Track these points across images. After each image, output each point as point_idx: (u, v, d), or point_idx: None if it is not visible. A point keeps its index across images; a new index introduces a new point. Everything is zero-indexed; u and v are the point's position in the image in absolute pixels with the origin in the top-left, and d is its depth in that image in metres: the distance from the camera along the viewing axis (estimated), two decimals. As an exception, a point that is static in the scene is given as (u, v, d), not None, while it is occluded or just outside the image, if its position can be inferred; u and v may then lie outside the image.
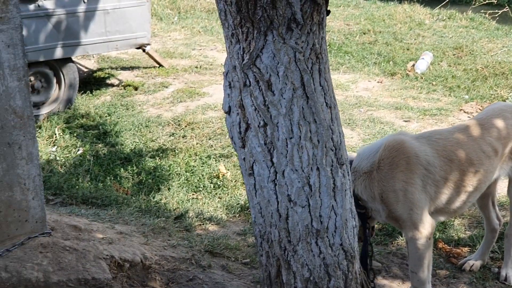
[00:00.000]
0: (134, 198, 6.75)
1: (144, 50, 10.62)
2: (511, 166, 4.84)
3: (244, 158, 3.59)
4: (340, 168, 3.58)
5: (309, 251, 3.60)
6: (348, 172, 3.67)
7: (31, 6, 9.00)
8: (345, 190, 3.63)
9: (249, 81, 3.37)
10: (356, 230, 3.78)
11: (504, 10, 13.83)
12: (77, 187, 6.79)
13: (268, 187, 3.53)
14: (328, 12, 3.41)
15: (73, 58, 10.04)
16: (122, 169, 7.65)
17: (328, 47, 11.98)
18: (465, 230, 5.79)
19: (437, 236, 5.61)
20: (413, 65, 10.87)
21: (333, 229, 3.61)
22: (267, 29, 3.23)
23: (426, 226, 4.30)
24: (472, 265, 5.20)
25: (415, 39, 12.43)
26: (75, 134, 8.67)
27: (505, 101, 8.94)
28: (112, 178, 7.42)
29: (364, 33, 12.91)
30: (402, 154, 4.31)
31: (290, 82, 3.32)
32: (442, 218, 4.73)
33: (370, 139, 8.04)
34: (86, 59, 11.85)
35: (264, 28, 3.23)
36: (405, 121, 8.72)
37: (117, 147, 8.30)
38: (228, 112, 3.60)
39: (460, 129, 4.67)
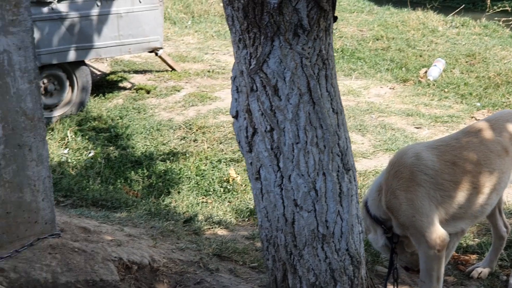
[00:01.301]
0: (144, 201, 6.79)
1: (156, 54, 10.67)
2: None
3: (251, 163, 3.61)
4: (347, 173, 3.60)
5: (315, 255, 3.61)
6: (354, 178, 3.68)
7: (45, 9, 9.07)
8: (351, 196, 3.64)
9: (256, 86, 3.40)
10: (363, 236, 3.79)
11: (518, 17, 13.79)
12: (87, 189, 6.83)
13: (275, 191, 3.55)
14: (335, 19, 3.42)
15: (87, 61, 10.10)
16: (132, 172, 7.69)
17: (341, 52, 12.14)
18: (473, 238, 5.78)
19: (445, 243, 5.60)
20: (426, 72, 10.87)
21: (339, 234, 3.62)
22: (273, 35, 3.26)
23: (433, 237, 4.28)
24: (480, 273, 5.19)
25: (428, 46, 12.42)
26: (87, 137, 8.72)
27: (517, 108, 8.93)
28: (123, 181, 7.46)
29: (377, 39, 12.92)
30: (401, 165, 4.35)
31: (296, 87, 3.34)
32: (463, 225, 4.65)
33: (381, 145, 8.05)
34: (99, 62, 11.91)
35: (271, 33, 3.25)
36: (417, 127, 8.71)
37: (128, 150, 8.34)
38: (236, 116, 3.62)
39: (466, 131, 4.68)
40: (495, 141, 4.56)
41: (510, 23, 13.77)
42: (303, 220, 3.55)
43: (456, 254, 5.48)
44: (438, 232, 4.29)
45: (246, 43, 3.36)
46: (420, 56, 11.86)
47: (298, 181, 3.49)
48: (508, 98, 9.54)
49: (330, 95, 3.46)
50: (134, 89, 10.72)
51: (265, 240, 3.76)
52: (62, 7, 9.25)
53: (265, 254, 3.82)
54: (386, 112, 9.28)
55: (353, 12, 15.18)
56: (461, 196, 4.40)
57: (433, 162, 4.38)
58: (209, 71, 11.49)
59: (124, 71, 11.61)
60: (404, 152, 4.47)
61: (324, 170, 3.50)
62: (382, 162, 7.45)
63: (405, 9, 15.26)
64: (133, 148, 8.40)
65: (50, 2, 9.08)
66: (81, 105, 9.75)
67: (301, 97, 3.37)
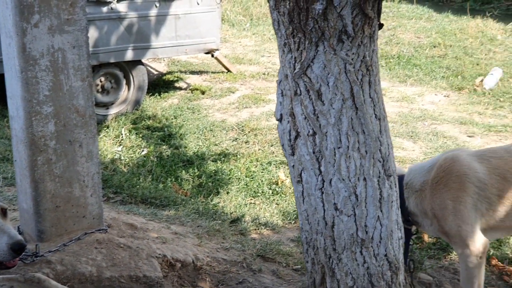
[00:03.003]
0: (192, 200, 6.88)
1: (213, 55, 10.77)
2: None
3: (293, 166, 3.65)
4: (387, 179, 3.61)
5: (354, 260, 3.64)
6: (395, 184, 3.69)
7: (104, 9, 9.24)
8: (392, 202, 3.65)
9: (300, 90, 3.44)
10: (402, 242, 3.80)
11: None
12: (137, 186, 6.94)
13: (315, 194, 3.59)
14: (380, 26, 3.44)
15: (144, 61, 10.26)
16: (183, 171, 7.79)
17: (397, 59, 12.11)
18: (520, 249, 5.73)
19: (491, 253, 5.56)
20: (482, 81, 10.77)
21: (378, 240, 3.63)
22: (318, 40, 3.29)
23: (477, 244, 4.28)
24: None
25: (485, 54, 12.29)
26: (140, 135, 8.86)
27: None
28: (173, 180, 7.56)
29: (434, 47, 12.83)
30: (452, 173, 4.32)
31: (340, 92, 3.37)
32: (498, 236, 4.70)
33: (432, 153, 8.00)
34: (156, 62, 12.08)
35: (315, 39, 3.29)
36: (469, 136, 8.64)
37: (180, 149, 8.45)
38: (280, 119, 3.67)
39: None
40: None
41: None
42: (342, 224, 3.58)
43: (502, 265, 5.44)
44: (481, 239, 4.29)
45: (291, 47, 3.40)
46: (477, 64, 11.74)
47: (339, 185, 3.52)
48: None
49: (373, 101, 3.48)
50: (190, 89, 10.85)
51: (305, 243, 3.80)
52: (121, 7, 9.41)
53: (305, 256, 3.86)
54: (439, 120, 9.23)
55: (412, 19, 15.06)
56: (504, 211, 4.38)
57: (484, 174, 4.35)
58: (264, 74, 11.56)
59: (181, 72, 11.75)
60: (456, 158, 4.41)
61: (365, 175, 3.52)
62: (432, 170, 7.40)
63: (464, 17, 15.06)
64: (185, 147, 8.51)
65: (110, 2, 9.24)
66: (137, 103, 9.91)
67: (344, 102, 3.40)
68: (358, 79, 3.38)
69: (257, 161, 8.01)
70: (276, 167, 7.80)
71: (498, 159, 4.44)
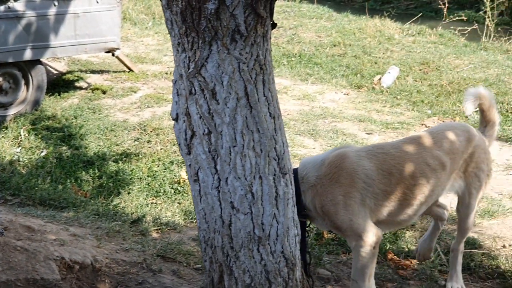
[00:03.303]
0: (92, 201, 6.79)
1: (113, 54, 10.65)
2: (460, 184, 4.92)
3: (190, 165, 3.67)
4: (283, 177, 3.66)
5: (251, 257, 3.68)
6: (291, 182, 3.75)
7: (1, 8, 9.03)
8: (288, 199, 3.71)
9: (195, 90, 3.46)
10: (298, 239, 3.86)
11: (474, 27, 13.98)
12: (36, 188, 6.81)
13: (212, 193, 3.61)
14: (274, 25, 3.49)
15: (43, 60, 10.07)
16: (83, 172, 7.69)
17: (298, 57, 12.26)
18: (415, 242, 5.87)
19: (387, 248, 5.70)
20: (380, 79, 11.02)
21: (275, 237, 3.69)
22: (211, 39, 3.32)
23: (370, 234, 4.37)
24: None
25: (383, 53, 12.58)
26: (40, 136, 8.70)
27: (466, 117, 9.08)
28: (73, 181, 7.45)
29: (334, 46, 13.03)
30: (341, 169, 4.40)
31: (234, 91, 3.41)
32: (387, 229, 4.82)
33: (332, 150, 8.14)
34: (56, 61, 11.86)
35: (208, 38, 3.31)
36: (368, 133, 8.83)
37: (81, 150, 8.34)
38: (176, 119, 3.68)
39: (406, 142, 4.74)
40: (434, 155, 4.63)
41: (466, 32, 13.98)
42: (239, 222, 3.61)
43: (398, 259, 5.58)
44: (374, 230, 4.38)
45: (185, 47, 3.41)
46: (375, 63, 12.01)
47: (235, 184, 3.55)
48: (458, 106, 9.70)
49: (268, 100, 3.52)
50: (90, 89, 10.71)
51: (203, 242, 3.82)
52: (19, 6, 9.21)
53: (203, 255, 3.88)
54: (339, 118, 9.39)
55: (312, 18, 15.26)
56: (392, 206, 4.50)
57: (372, 171, 4.44)
58: (166, 73, 11.51)
59: (81, 71, 11.58)
60: (346, 156, 4.48)
61: (261, 173, 3.57)
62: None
63: (363, 17, 15.36)
64: (86, 148, 8.40)
65: (7, 1, 9.04)
66: (36, 104, 9.72)
67: (239, 101, 3.43)
68: (252, 78, 3.42)
69: (159, 160, 7.98)
70: (178, 167, 7.79)
71: (385, 155, 4.55)
